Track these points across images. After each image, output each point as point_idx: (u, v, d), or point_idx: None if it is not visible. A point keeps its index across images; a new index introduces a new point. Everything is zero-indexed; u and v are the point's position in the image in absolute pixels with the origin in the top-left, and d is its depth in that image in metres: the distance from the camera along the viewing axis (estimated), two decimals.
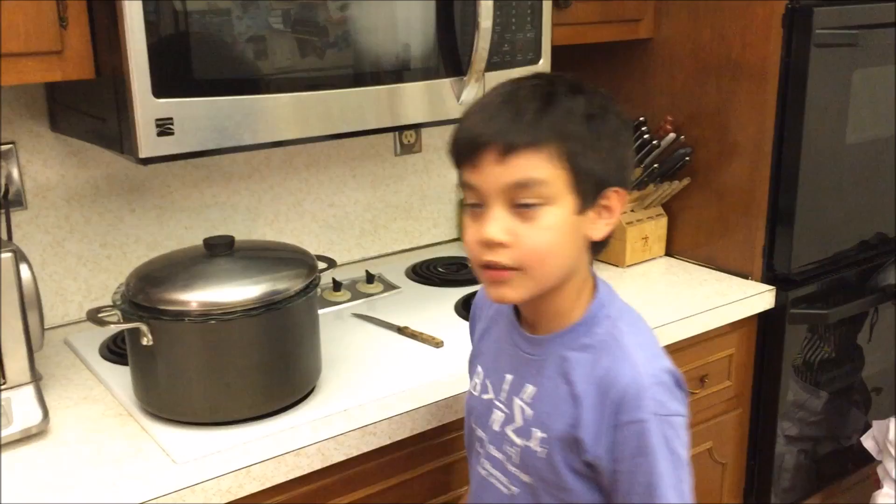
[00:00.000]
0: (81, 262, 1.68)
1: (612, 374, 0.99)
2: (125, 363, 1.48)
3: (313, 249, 1.95)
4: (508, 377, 1.12)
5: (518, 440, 1.09)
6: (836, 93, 1.80)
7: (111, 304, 1.30)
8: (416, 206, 2.10)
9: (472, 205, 1.02)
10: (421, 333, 1.58)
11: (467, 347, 1.53)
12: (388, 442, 1.33)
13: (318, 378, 1.39)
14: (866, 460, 2.25)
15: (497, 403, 1.13)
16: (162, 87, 1.25)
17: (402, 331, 1.60)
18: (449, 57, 1.54)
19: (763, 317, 1.87)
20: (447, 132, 1.05)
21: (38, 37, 1.23)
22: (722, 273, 1.93)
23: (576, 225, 0.99)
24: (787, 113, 1.76)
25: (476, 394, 1.18)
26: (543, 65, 1.66)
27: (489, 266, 1.00)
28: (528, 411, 1.08)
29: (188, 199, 1.77)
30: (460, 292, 1.81)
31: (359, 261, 2.02)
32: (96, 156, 1.65)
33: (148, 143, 1.26)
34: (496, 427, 1.13)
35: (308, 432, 1.28)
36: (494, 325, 1.19)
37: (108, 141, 1.35)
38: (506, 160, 0.97)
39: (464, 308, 1.73)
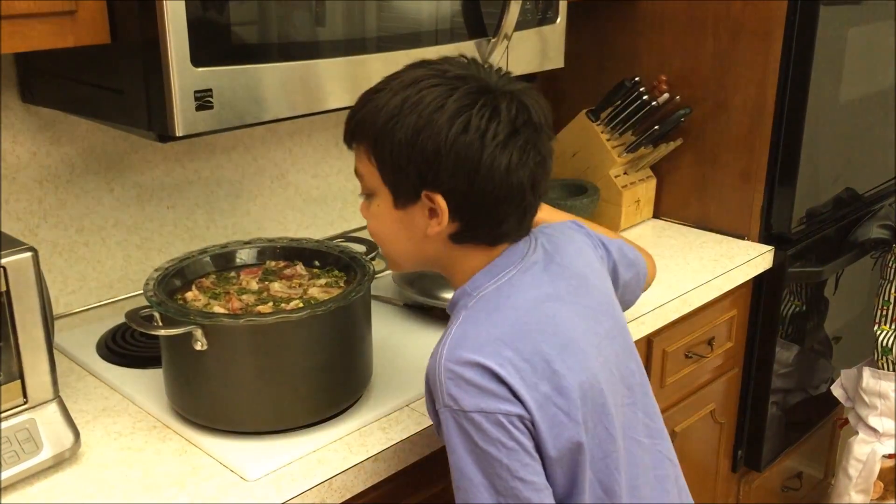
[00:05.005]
0: (56, 251, 1.47)
1: (429, 361, 1.00)
2: (133, 364, 1.34)
3: (297, 225, 1.82)
4: None
5: None
6: (834, 51, 1.80)
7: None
8: None
9: None
10: None
11: None
12: None
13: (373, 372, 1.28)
14: (831, 407, 2.34)
15: None
16: (201, 55, 1.09)
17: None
18: (473, 19, 1.44)
19: (758, 276, 1.88)
20: None
21: None
22: (716, 234, 1.92)
23: (400, 218, 1.02)
24: (792, 73, 1.74)
25: None
26: (560, 23, 1.58)
27: None
28: None
29: (170, 174, 1.59)
30: None
31: (341, 234, 1.89)
32: (70, 129, 1.44)
33: (186, 118, 1.10)
34: None
35: (378, 433, 1.18)
36: None
37: (125, 116, 1.18)
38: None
39: None
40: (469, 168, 0.96)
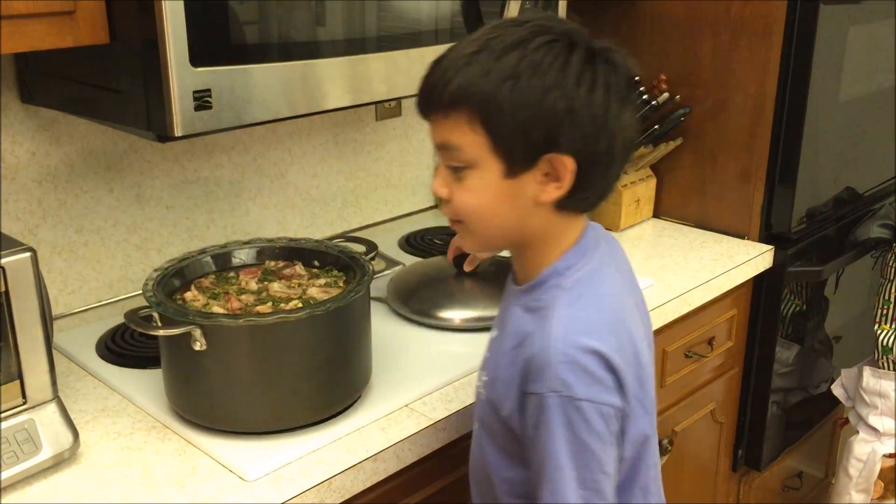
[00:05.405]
0: (56, 252, 1.47)
1: (529, 340, 0.96)
2: (132, 365, 1.34)
3: (296, 225, 1.82)
4: (496, 321, 1.11)
5: (477, 381, 1.09)
6: (834, 50, 1.80)
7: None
8: (396, 173, 1.98)
9: None
10: None
11: None
12: (457, 436, 1.24)
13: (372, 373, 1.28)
14: (831, 406, 2.33)
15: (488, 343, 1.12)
16: (200, 55, 1.09)
17: None
18: (472, 18, 1.43)
19: (758, 276, 1.88)
20: None
21: None
22: (716, 234, 1.92)
23: (508, 188, 0.95)
24: (792, 72, 1.74)
25: None
26: None
27: None
28: (487, 354, 1.08)
29: (169, 174, 1.59)
30: None
31: (340, 234, 1.89)
32: (69, 129, 1.44)
33: (185, 118, 1.10)
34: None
35: (378, 433, 1.18)
36: None
37: (124, 116, 1.18)
38: (430, 121, 0.97)
39: None
40: (598, 125, 0.92)
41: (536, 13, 0.97)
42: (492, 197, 0.95)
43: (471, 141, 0.93)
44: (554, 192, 0.94)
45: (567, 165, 0.92)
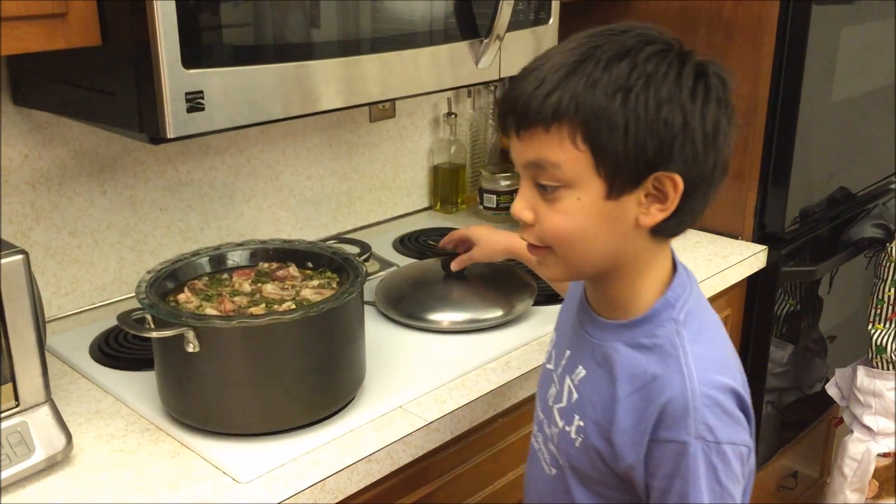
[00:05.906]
0: (49, 254, 1.47)
1: (660, 383, 0.88)
2: (126, 367, 1.34)
3: (290, 227, 1.82)
4: (567, 353, 1.03)
5: (560, 421, 1.01)
6: (826, 50, 1.80)
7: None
8: (391, 174, 1.98)
9: None
10: None
11: (497, 328, 1.46)
12: (450, 437, 1.24)
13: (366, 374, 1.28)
14: (826, 406, 2.34)
15: (554, 377, 1.04)
16: (192, 56, 1.09)
17: None
18: (465, 19, 1.44)
19: (752, 276, 1.88)
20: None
21: None
22: (710, 234, 1.92)
23: (609, 210, 0.87)
24: (785, 72, 1.75)
25: (545, 362, 1.09)
26: (553, 23, 1.58)
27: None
28: (575, 395, 0.99)
29: (162, 176, 1.59)
30: None
31: (335, 236, 1.89)
32: (62, 131, 1.44)
33: (177, 120, 1.10)
34: (550, 402, 1.04)
35: (371, 434, 1.18)
36: (573, 294, 1.08)
37: (117, 118, 1.17)
38: (521, 136, 0.89)
39: None
40: (709, 142, 0.86)
41: (643, 24, 0.90)
42: (589, 220, 0.88)
43: (572, 158, 0.85)
44: (657, 214, 0.88)
45: (677, 185, 0.86)
